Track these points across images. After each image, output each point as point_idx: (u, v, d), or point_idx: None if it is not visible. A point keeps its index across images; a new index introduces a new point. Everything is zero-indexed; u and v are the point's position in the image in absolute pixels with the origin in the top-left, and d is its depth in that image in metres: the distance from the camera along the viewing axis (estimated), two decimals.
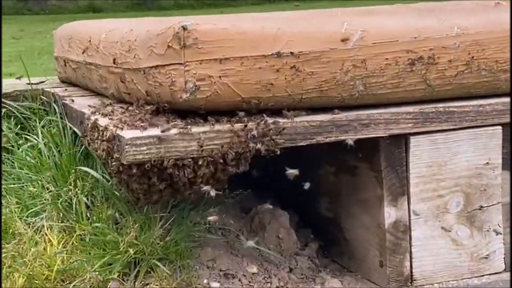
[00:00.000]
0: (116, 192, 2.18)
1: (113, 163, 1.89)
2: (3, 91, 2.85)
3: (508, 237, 2.23)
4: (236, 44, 1.90)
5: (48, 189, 2.34)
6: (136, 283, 2.05)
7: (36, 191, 2.33)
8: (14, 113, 2.75)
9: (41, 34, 11.23)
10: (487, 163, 2.17)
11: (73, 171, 2.31)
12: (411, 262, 2.13)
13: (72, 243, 2.15)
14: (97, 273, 2.05)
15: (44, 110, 2.73)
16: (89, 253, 2.10)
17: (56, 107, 2.58)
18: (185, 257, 2.11)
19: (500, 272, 2.22)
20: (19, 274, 2.04)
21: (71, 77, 2.81)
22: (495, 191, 2.19)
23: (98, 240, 2.14)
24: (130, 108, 2.09)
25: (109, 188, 2.20)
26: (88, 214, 2.20)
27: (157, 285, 2.03)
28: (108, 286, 2.02)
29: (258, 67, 1.92)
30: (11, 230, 2.25)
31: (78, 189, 2.24)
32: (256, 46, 1.91)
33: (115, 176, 1.95)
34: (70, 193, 2.26)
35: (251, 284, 2.13)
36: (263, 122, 1.92)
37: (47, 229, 2.19)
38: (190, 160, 1.88)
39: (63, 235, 2.18)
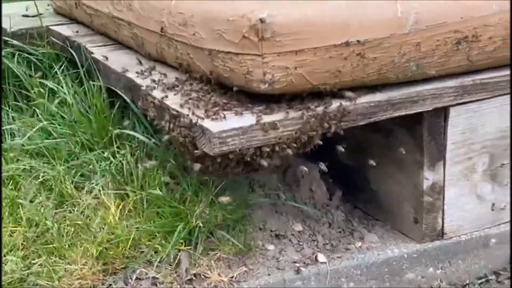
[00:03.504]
0: (169, 157, 2.27)
1: (195, 152, 1.98)
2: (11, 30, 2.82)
3: None
4: (310, 36, 1.98)
5: (90, 149, 2.40)
6: (201, 250, 2.17)
7: (79, 152, 2.39)
8: (28, 57, 2.74)
9: None
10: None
11: (115, 133, 2.37)
12: (443, 218, 2.34)
13: (129, 210, 2.24)
14: (162, 241, 2.16)
15: (56, 54, 2.72)
16: (151, 221, 2.21)
17: (76, 57, 2.58)
18: (240, 221, 2.25)
19: None
20: (90, 245, 2.13)
21: (81, 17, 2.80)
22: None
23: (154, 206, 2.24)
24: (194, 84, 2.15)
25: (162, 154, 2.28)
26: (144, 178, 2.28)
27: (224, 251, 2.17)
28: (179, 257, 2.14)
29: (328, 57, 2.01)
30: (57, 189, 2.31)
31: (128, 153, 2.31)
32: (328, 36, 2.00)
33: (195, 162, 2.04)
34: (118, 156, 2.33)
35: (301, 243, 2.30)
36: (331, 106, 2.04)
37: (103, 194, 2.27)
38: (268, 148, 1.99)
39: (119, 201, 2.26)
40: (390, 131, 2.34)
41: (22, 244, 2.12)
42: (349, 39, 2.02)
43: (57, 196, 2.30)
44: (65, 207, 2.28)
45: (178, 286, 2.08)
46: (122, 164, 2.31)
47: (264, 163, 2.00)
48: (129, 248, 2.18)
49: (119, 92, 2.37)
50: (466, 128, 2.30)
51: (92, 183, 2.31)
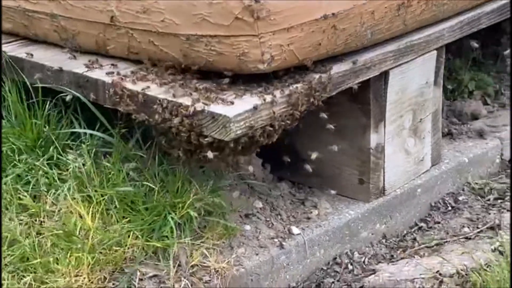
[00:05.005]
0: (128, 151, 2.18)
1: (206, 140, 1.93)
2: None
3: (433, 139, 2.67)
4: (297, 12, 2.01)
5: (29, 154, 2.23)
6: (188, 240, 2.12)
7: (27, 158, 2.21)
8: None
9: None
10: (427, 82, 2.55)
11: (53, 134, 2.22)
12: (384, 176, 2.48)
13: (101, 212, 2.12)
14: (148, 238, 2.08)
15: None
16: (130, 220, 2.11)
17: None
18: (214, 205, 2.21)
19: (429, 170, 2.66)
20: (80, 254, 2.00)
21: None
22: (429, 105, 2.60)
23: (121, 203, 2.14)
24: (163, 72, 2.09)
25: (124, 148, 2.18)
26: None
27: (211, 238, 2.13)
28: (174, 251, 2.07)
29: (312, 31, 2.05)
30: (15, 200, 2.13)
31: (84, 152, 2.18)
32: (310, 11, 2.04)
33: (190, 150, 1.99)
34: (72, 157, 2.19)
35: (268, 220, 2.32)
36: (314, 80, 2.08)
37: (70, 199, 2.12)
38: (272, 127, 1.99)
39: (87, 204, 2.13)
40: (328, 98, 2.42)
41: None
42: (326, 12, 2.07)
43: (15, 208, 2.11)
44: (25, 219, 2.11)
45: (186, 281, 2.03)
46: (82, 165, 2.17)
47: (266, 142, 2.01)
48: (116, 251, 2.07)
49: (65, 89, 2.20)
50: (399, 88, 2.45)
51: (56, 190, 2.14)
